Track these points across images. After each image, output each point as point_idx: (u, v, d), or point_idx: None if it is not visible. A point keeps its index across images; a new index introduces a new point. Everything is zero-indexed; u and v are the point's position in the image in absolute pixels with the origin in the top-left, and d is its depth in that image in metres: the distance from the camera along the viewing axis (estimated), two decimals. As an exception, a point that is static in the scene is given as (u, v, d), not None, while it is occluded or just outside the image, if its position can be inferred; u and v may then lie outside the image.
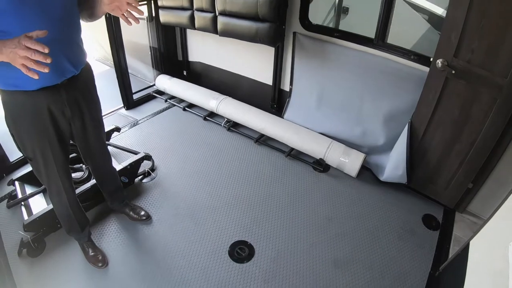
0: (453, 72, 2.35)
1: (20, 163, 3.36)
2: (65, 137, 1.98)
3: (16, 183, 2.96)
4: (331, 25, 4.06)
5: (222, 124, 3.96)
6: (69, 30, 1.74)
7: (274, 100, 3.98)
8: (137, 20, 1.73)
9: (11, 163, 3.35)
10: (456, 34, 2.24)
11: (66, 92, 1.82)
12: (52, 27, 1.53)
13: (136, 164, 3.05)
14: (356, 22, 3.94)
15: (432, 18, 3.88)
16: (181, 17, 4.00)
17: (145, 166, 3.22)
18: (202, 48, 4.56)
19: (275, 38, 3.28)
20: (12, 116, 1.80)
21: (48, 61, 1.30)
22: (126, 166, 2.96)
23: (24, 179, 3.00)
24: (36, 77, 1.33)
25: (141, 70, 5.12)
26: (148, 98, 4.70)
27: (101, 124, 2.24)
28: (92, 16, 1.93)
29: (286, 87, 3.86)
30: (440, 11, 3.80)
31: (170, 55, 4.86)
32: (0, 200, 3.00)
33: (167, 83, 4.61)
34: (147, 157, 3.20)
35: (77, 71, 1.84)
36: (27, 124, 1.81)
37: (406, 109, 2.89)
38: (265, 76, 3.95)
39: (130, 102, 4.43)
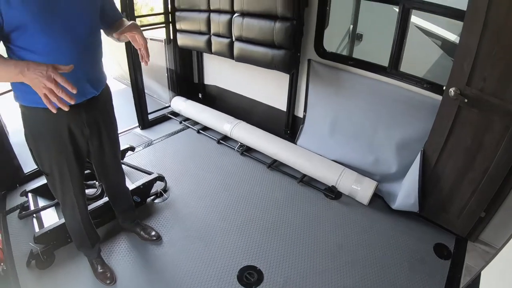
0: (466, 100, 2.37)
1: (33, 175, 3.45)
2: (82, 155, 2.05)
3: (29, 195, 3.03)
4: (345, 52, 4.10)
5: (236, 148, 4.00)
6: (92, 52, 1.83)
7: (287, 126, 4.03)
8: (146, 62, 1.90)
9: (25, 175, 3.45)
10: (468, 63, 2.27)
11: (86, 112, 1.90)
12: (76, 48, 1.63)
13: (149, 184, 3.10)
14: (370, 49, 3.97)
15: (445, 44, 3.90)
16: (199, 41, 4.11)
17: (157, 186, 3.26)
18: (218, 72, 4.65)
19: (290, 65, 3.34)
20: (31, 132, 1.87)
21: (72, 102, 1.37)
22: (139, 186, 3.02)
23: (37, 192, 3.08)
24: (54, 111, 1.39)
25: (157, 91, 5.23)
26: (163, 119, 4.80)
27: (117, 144, 2.32)
28: (114, 37, 2.02)
29: (300, 113, 3.90)
30: (453, 37, 3.83)
31: (186, 77, 4.96)
32: (13, 210, 3.09)
33: (182, 105, 4.70)
34: (160, 178, 3.25)
35: (97, 92, 1.91)
36: (46, 141, 1.87)
37: (418, 137, 2.91)
38: (280, 102, 4.01)
39: (145, 122, 4.52)
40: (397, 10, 2.87)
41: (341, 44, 4.12)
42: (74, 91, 1.34)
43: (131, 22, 1.92)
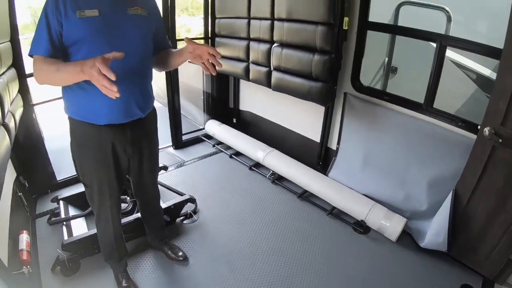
0: (500, 140, 2.34)
1: (65, 183, 3.61)
2: (123, 171, 2.15)
3: (61, 202, 3.16)
4: (379, 84, 4.13)
5: (267, 176, 4.04)
6: (142, 76, 1.96)
7: (320, 157, 4.05)
8: (214, 70, 1.91)
9: (58, 182, 3.61)
10: (504, 102, 2.26)
11: (131, 131, 2.01)
12: (127, 70, 1.75)
13: (180, 205, 3.19)
14: (404, 82, 3.99)
15: (478, 78, 3.85)
16: (237, 68, 4.24)
17: (187, 207, 3.33)
18: (254, 99, 4.78)
19: (326, 98, 3.39)
20: (77, 144, 2.00)
21: (114, 89, 1.43)
22: (170, 206, 3.10)
23: (68, 200, 3.21)
24: (113, 96, 1.46)
25: (192, 112, 5.38)
26: (196, 141, 4.93)
27: (157, 164, 2.43)
28: (170, 65, 2.16)
29: (333, 145, 3.93)
30: (487, 72, 3.77)
31: (221, 101, 5.10)
32: (42, 214, 3.22)
33: (216, 128, 4.82)
34: (192, 200, 3.34)
35: (143, 114, 2.02)
36: (90, 155, 2.00)
37: (451, 175, 2.88)
38: (313, 133, 4.06)
39: (179, 142, 4.65)
40: (433, 45, 2.90)
41: (375, 77, 4.15)
42: (113, 78, 1.40)
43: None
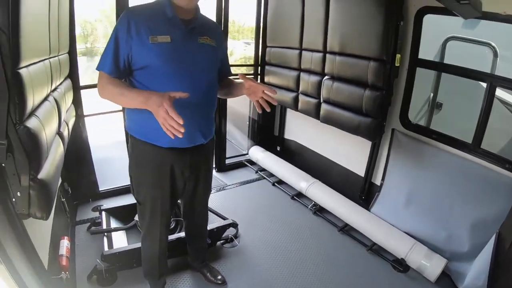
0: None
1: (107, 194, 3.76)
2: (177, 193, 2.22)
3: (103, 213, 3.26)
4: (423, 120, 4.08)
5: (309, 207, 4.04)
6: (207, 103, 2.03)
7: (363, 191, 4.03)
8: (268, 107, 1.98)
9: (100, 192, 3.74)
10: None
11: (191, 156, 2.08)
12: (193, 97, 1.81)
13: (223, 228, 3.25)
14: (449, 118, 3.93)
15: None
16: (285, 97, 4.31)
17: (228, 231, 3.37)
18: (300, 129, 4.82)
19: (375, 133, 3.40)
20: (136, 162, 2.09)
21: (180, 135, 1.54)
22: (213, 229, 3.15)
23: (111, 212, 3.32)
24: (172, 136, 1.58)
25: (237, 137, 5.48)
26: (239, 165, 5.02)
27: (210, 189, 2.50)
28: (228, 95, 2.29)
29: (377, 180, 3.91)
30: None
31: (267, 128, 5.19)
32: (83, 222, 3.34)
33: (260, 155, 4.89)
34: (234, 225, 3.38)
35: (205, 141, 2.10)
36: (148, 174, 2.07)
37: (495, 217, 2.82)
38: (358, 167, 4.05)
39: (222, 166, 4.75)
40: (482, 84, 2.89)
41: (420, 112, 4.13)
42: (181, 121, 1.52)
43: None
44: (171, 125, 1.55)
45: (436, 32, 3.65)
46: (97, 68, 1.85)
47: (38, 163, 1.83)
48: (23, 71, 1.71)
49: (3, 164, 1.67)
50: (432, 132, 3.40)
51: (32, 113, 1.87)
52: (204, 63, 1.95)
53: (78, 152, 3.47)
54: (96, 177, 3.72)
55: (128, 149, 2.12)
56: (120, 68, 1.82)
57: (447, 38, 3.88)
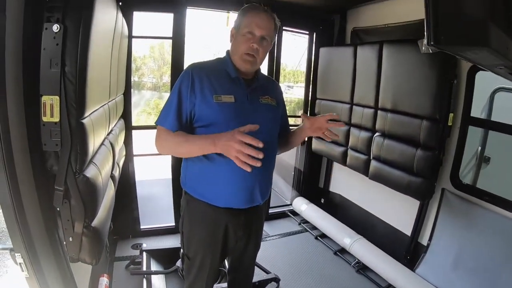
0: None
1: (148, 233, 3.83)
2: (228, 250, 2.18)
3: (144, 253, 3.29)
4: (470, 175, 3.93)
5: (352, 264, 3.95)
6: (268, 162, 2.01)
7: (409, 251, 3.89)
8: (336, 135, 2.00)
9: (141, 229, 3.78)
10: None
11: (245, 216, 2.04)
12: (256, 167, 1.78)
13: (265, 283, 3.22)
14: (498, 174, 3.79)
15: None
16: (334, 151, 4.33)
17: (269, 285, 3.32)
18: (346, 183, 4.78)
19: (425, 194, 3.34)
20: (189, 219, 2.07)
21: (260, 156, 1.51)
22: (255, 282, 3.10)
23: (152, 253, 3.34)
24: (248, 169, 1.54)
25: (281, 186, 5.48)
26: (282, 215, 5.00)
27: (260, 245, 2.43)
28: (288, 146, 2.31)
29: (423, 240, 3.77)
30: None
31: (312, 180, 5.18)
32: (122, 259, 3.38)
33: (303, 206, 4.85)
34: (276, 280, 3.34)
35: (262, 201, 2.07)
36: (201, 232, 2.04)
37: None
38: (404, 225, 3.94)
39: (265, 215, 4.71)
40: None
41: (466, 166, 4.00)
42: (260, 145, 1.51)
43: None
44: (248, 155, 1.52)
45: (484, 84, 3.59)
46: (158, 123, 1.90)
47: (94, 211, 1.91)
48: (86, 121, 1.81)
49: (58, 209, 1.76)
50: (483, 193, 3.29)
51: (91, 160, 1.96)
52: (267, 124, 1.95)
53: (123, 188, 3.54)
54: (139, 213, 3.79)
55: (181, 205, 2.11)
56: (182, 124, 1.86)
57: (495, 90, 3.80)
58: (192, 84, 1.84)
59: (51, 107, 1.64)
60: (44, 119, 1.65)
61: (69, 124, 1.69)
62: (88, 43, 1.71)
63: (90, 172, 1.85)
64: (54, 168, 1.76)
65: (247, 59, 1.90)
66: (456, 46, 1.19)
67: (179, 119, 1.85)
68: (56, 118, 1.65)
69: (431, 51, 1.32)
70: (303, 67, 5.08)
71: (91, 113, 1.95)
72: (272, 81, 2.26)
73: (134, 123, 3.76)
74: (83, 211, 1.78)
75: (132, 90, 3.67)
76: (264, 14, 1.93)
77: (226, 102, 1.85)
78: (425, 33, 1.12)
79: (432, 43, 1.11)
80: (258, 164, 1.53)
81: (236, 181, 1.83)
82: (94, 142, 1.94)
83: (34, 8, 1.60)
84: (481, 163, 3.93)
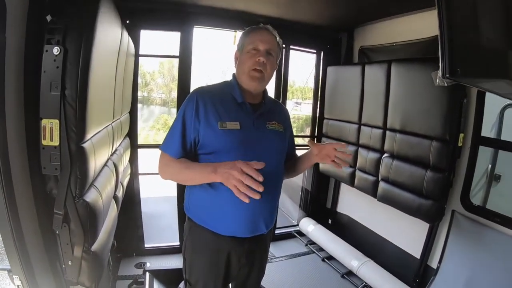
0: None
1: (152, 252, 3.79)
2: (230, 277, 2.11)
3: (147, 274, 3.23)
4: (480, 194, 3.85)
5: (359, 287, 3.87)
6: (273, 189, 1.97)
7: (418, 274, 3.79)
8: (346, 163, 1.96)
9: (145, 248, 3.73)
10: None
11: (249, 244, 1.98)
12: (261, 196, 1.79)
13: (271, 307, 3.12)
14: (510, 192, 3.72)
15: None
16: (342, 172, 4.26)
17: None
18: (353, 204, 4.72)
19: (435, 216, 3.27)
20: (192, 245, 2.02)
21: (260, 189, 1.45)
22: (262, 308, 3.02)
23: (155, 274, 3.28)
24: (246, 200, 1.47)
25: (288, 207, 5.43)
26: (288, 236, 4.93)
27: (264, 271, 2.35)
28: (295, 172, 2.25)
29: (433, 263, 3.68)
30: None
31: (319, 200, 5.13)
32: (125, 278, 3.35)
33: (311, 227, 4.78)
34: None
35: (266, 230, 2.01)
36: (203, 258, 2.00)
37: None
38: (413, 248, 3.86)
39: (272, 235, 4.66)
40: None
41: (477, 185, 3.92)
42: (260, 179, 1.44)
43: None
44: (247, 185, 1.46)
45: (493, 101, 3.54)
46: (162, 149, 1.87)
47: (93, 235, 1.88)
48: (87, 145, 1.79)
49: (57, 232, 1.73)
50: (495, 214, 3.20)
51: (92, 183, 1.93)
52: (273, 150, 1.93)
53: (128, 206, 3.54)
54: (143, 232, 3.75)
55: (184, 229, 2.07)
56: (186, 151, 1.83)
57: (505, 106, 3.75)
58: (196, 109, 1.80)
59: (50, 131, 1.62)
60: (44, 142, 1.63)
61: (69, 149, 1.67)
62: (89, 66, 1.69)
63: (90, 196, 1.82)
64: (53, 191, 1.73)
65: (255, 75, 1.87)
66: (473, 78, 1.14)
67: (183, 146, 1.82)
68: (56, 142, 1.63)
69: (446, 84, 1.27)
70: (311, 84, 5.07)
71: (93, 136, 1.93)
72: (279, 105, 2.22)
73: (143, 140, 3.76)
74: (82, 235, 1.76)
75: (141, 105, 3.68)
76: (265, 31, 1.93)
77: (232, 129, 1.80)
78: (440, 64, 1.06)
79: (447, 75, 1.06)
80: (257, 197, 1.46)
81: (239, 210, 1.78)
82: (95, 165, 1.91)
83: (35, 29, 1.60)
84: (491, 181, 3.85)
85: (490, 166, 3.84)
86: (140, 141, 3.79)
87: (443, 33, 1.04)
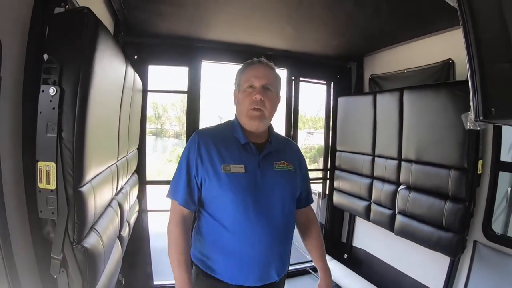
0: None
1: None
2: None
3: None
4: (500, 219, 3.65)
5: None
6: (283, 237, 1.82)
7: (440, 309, 3.63)
8: None
9: (154, 286, 3.63)
10: None
11: None
12: (269, 232, 1.69)
13: None
14: None
15: None
16: (356, 205, 4.17)
17: None
18: (370, 237, 4.57)
19: (457, 250, 3.12)
20: None
21: None
22: None
23: None
24: None
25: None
26: (303, 273, 4.77)
27: None
28: (303, 237, 2.22)
29: (456, 298, 3.53)
30: None
31: (334, 234, 5.00)
32: None
33: (327, 263, 4.58)
34: None
35: (278, 279, 1.86)
36: None
37: None
38: (434, 281, 3.66)
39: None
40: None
41: (496, 210, 3.75)
42: None
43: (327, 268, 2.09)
44: None
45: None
46: (170, 197, 1.81)
47: (93, 281, 1.82)
48: (85, 188, 1.72)
49: (55, 277, 1.66)
50: None
51: (92, 227, 1.86)
52: (281, 193, 1.81)
53: (136, 243, 3.48)
54: (152, 269, 3.65)
55: (191, 276, 1.95)
56: (194, 199, 1.76)
57: None
58: (199, 152, 1.74)
59: (47, 174, 1.56)
60: (40, 185, 1.57)
61: (66, 193, 1.60)
62: (86, 107, 1.64)
63: (89, 241, 1.74)
64: (51, 235, 1.66)
65: (254, 114, 1.77)
66: (510, 119, 1.03)
67: (191, 194, 1.75)
68: (53, 186, 1.57)
69: (478, 128, 1.18)
70: (322, 113, 5.03)
71: (93, 178, 1.87)
72: (288, 142, 2.10)
73: (157, 173, 3.72)
74: (81, 281, 1.67)
75: (154, 137, 3.67)
76: (260, 64, 1.85)
77: (236, 172, 1.71)
78: (471, 104, 0.95)
79: (481, 118, 0.94)
80: None
81: (249, 257, 1.68)
82: (95, 208, 1.84)
83: (34, 68, 1.57)
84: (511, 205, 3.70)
85: (510, 189, 3.68)
86: (153, 175, 3.74)
87: (473, 71, 0.92)
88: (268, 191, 1.74)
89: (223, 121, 1.98)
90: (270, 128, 1.94)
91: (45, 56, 1.60)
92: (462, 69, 3.31)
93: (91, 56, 1.67)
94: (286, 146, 2.01)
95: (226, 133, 1.84)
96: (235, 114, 1.92)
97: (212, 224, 1.73)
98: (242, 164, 1.74)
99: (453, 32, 3.35)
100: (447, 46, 3.48)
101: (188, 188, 1.73)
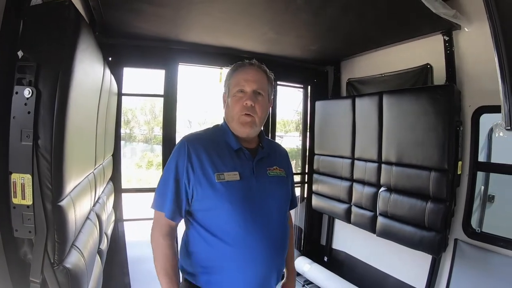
0: None
1: None
2: None
3: None
4: (475, 217, 3.71)
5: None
6: (280, 245, 1.71)
7: (424, 308, 3.63)
8: None
9: None
10: None
11: None
12: (266, 242, 1.58)
13: None
14: (505, 212, 3.64)
15: None
16: (336, 208, 4.14)
17: None
18: (350, 239, 4.56)
19: (439, 248, 3.13)
20: None
21: None
22: None
23: None
24: None
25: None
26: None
27: None
28: None
29: (438, 295, 3.55)
30: None
31: (313, 237, 4.96)
32: None
33: (306, 266, 4.58)
34: None
35: (275, 286, 1.75)
36: None
37: None
38: (417, 280, 3.68)
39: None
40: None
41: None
42: None
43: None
44: None
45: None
46: (155, 208, 1.66)
47: None
48: (65, 202, 1.57)
49: None
50: (498, 239, 3.11)
51: (73, 244, 1.70)
52: (278, 201, 1.72)
53: (113, 253, 3.34)
54: (130, 279, 3.51)
55: None
56: (181, 211, 1.62)
57: (492, 127, 3.70)
58: (189, 160, 1.59)
59: (22, 188, 1.40)
60: (15, 201, 1.41)
61: (44, 209, 1.44)
62: (66, 111, 1.49)
63: (71, 260, 1.59)
64: (28, 257, 1.49)
65: (245, 120, 1.67)
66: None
67: (179, 206, 1.60)
68: (29, 201, 1.41)
69: (506, 136, 1.13)
70: (292, 116, 5.02)
71: (72, 190, 1.71)
72: (277, 146, 2.01)
73: (129, 178, 3.59)
74: (63, 305, 1.51)
75: (123, 142, 3.53)
76: (251, 68, 1.75)
77: (230, 180, 1.59)
78: (502, 111, 0.87)
79: None
80: None
81: (249, 269, 1.56)
82: (75, 223, 1.68)
83: (6, 67, 1.40)
84: (485, 203, 3.76)
85: (482, 187, 3.73)
86: (123, 182, 3.59)
87: (504, 74, 0.85)
88: (265, 199, 1.64)
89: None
90: (260, 133, 1.84)
91: (20, 53, 1.45)
92: (440, 74, 3.37)
93: (72, 54, 1.53)
94: (276, 150, 1.93)
95: (217, 139, 1.72)
96: (224, 118, 1.81)
97: (207, 237, 1.59)
98: (236, 171, 1.62)
99: (432, 37, 3.41)
100: (425, 51, 3.54)
101: (176, 200, 1.59)
